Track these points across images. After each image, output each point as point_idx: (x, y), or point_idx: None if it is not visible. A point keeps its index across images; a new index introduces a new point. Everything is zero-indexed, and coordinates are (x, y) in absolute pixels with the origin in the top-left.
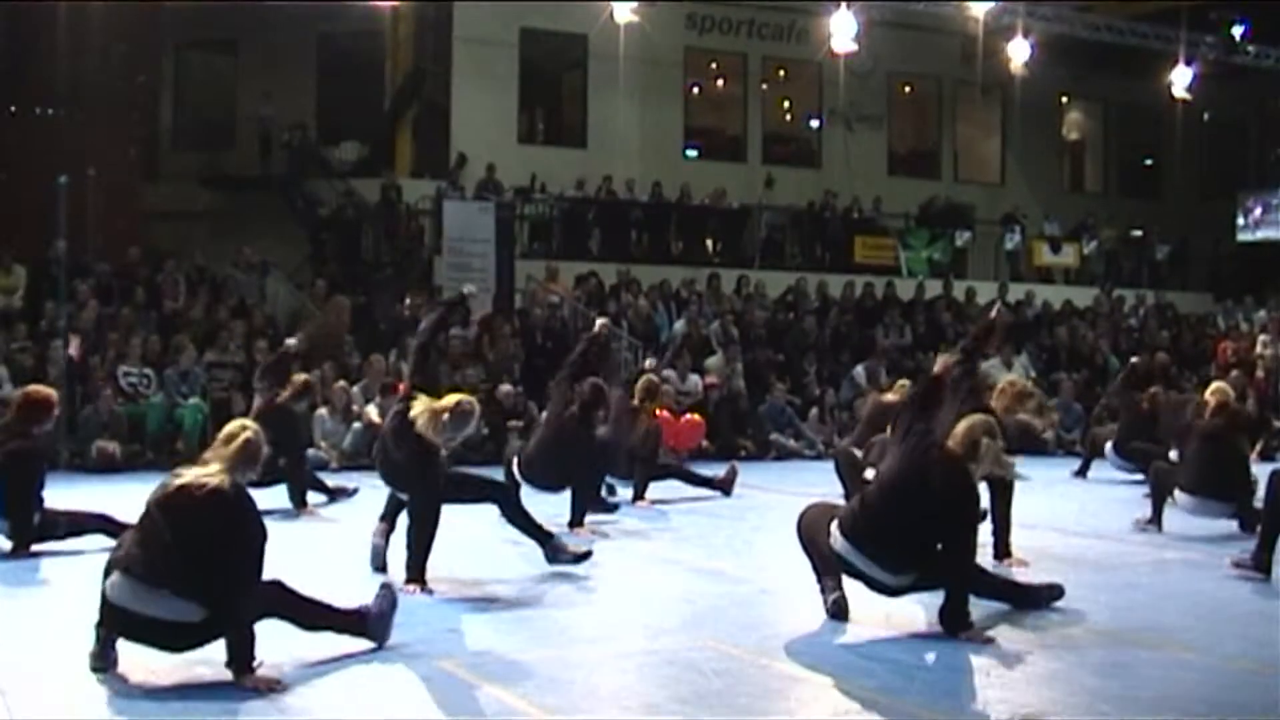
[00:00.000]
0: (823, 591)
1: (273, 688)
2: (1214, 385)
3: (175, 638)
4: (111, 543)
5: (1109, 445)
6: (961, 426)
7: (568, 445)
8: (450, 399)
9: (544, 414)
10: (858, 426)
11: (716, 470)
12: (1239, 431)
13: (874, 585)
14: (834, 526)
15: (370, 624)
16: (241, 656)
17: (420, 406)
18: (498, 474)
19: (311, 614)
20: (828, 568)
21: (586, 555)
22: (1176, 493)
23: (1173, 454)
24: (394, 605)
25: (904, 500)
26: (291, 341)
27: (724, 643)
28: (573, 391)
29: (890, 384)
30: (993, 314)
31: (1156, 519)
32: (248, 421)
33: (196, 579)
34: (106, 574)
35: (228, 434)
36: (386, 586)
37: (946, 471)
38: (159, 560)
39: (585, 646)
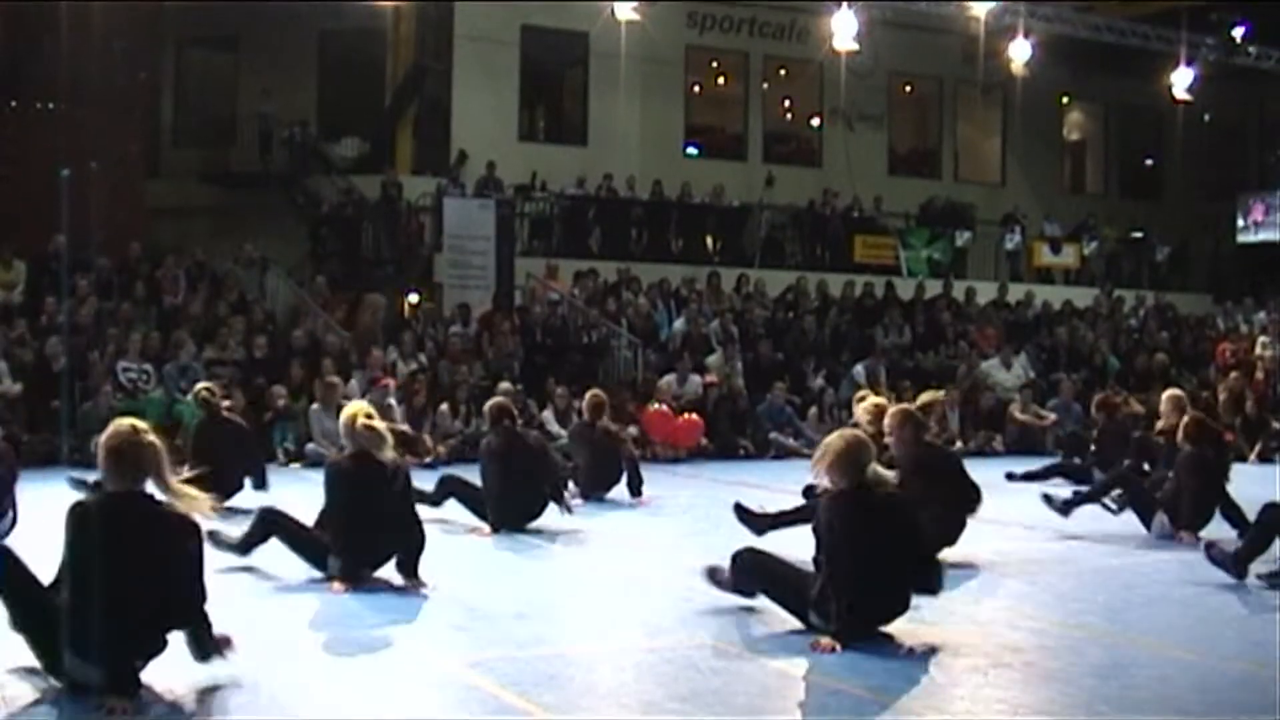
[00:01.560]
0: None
1: (229, 644)
2: (1167, 394)
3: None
4: None
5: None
6: (835, 464)
7: (536, 474)
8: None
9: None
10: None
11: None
12: (1212, 448)
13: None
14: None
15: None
16: (208, 642)
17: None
18: None
19: None
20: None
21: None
22: (1161, 518)
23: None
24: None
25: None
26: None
27: (722, 641)
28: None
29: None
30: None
31: (1147, 525)
32: (137, 423)
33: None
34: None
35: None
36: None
37: (888, 507)
38: (139, 628)
39: (583, 645)
